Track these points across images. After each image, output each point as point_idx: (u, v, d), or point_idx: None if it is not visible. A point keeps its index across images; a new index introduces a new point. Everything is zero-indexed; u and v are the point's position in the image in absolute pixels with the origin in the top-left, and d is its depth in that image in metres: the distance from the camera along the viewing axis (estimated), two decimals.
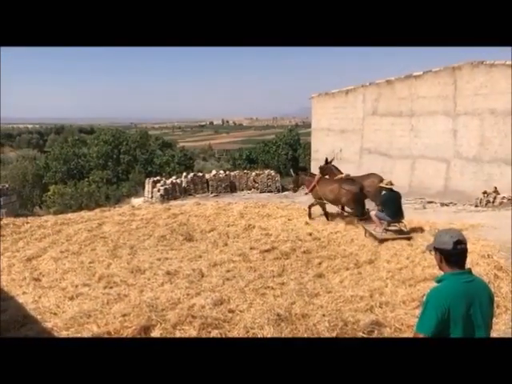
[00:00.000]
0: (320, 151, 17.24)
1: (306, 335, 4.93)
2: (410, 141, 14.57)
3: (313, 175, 12.17)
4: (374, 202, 10.68)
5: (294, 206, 13.48)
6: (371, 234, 9.21)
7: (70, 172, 29.35)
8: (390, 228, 9.20)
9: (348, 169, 16.04)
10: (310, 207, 11.61)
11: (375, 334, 4.90)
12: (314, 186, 11.45)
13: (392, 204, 9.10)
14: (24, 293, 6.93)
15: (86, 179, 26.57)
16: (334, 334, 4.88)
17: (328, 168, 12.30)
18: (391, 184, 9.33)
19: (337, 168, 12.30)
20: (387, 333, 4.93)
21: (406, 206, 12.71)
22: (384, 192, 9.34)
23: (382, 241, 8.82)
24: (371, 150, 15.57)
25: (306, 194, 12.19)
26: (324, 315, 5.41)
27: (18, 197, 16.37)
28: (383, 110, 15.18)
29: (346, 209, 11.24)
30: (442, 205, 13.37)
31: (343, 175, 11.57)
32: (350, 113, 16.09)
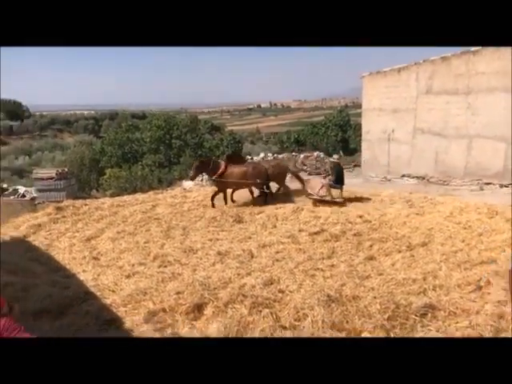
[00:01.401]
0: (371, 132, 16.82)
1: (356, 317, 4.92)
2: (467, 119, 13.88)
3: (217, 162, 12.09)
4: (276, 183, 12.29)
5: (344, 188, 13.30)
6: (310, 196, 11.33)
7: (124, 156, 30.32)
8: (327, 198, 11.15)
9: (401, 150, 15.64)
10: (213, 198, 11.70)
11: (428, 317, 4.80)
12: (223, 172, 11.64)
13: (338, 174, 11.41)
14: (84, 271, 7.32)
15: (140, 163, 27.38)
16: (385, 317, 4.83)
17: (235, 157, 12.96)
18: (338, 160, 12.24)
19: (242, 157, 13.28)
20: (441, 316, 4.82)
21: (462, 188, 12.27)
22: (334, 165, 11.87)
23: (319, 201, 11.05)
24: (425, 129, 14.98)
25: (212, 180, 12.22)
26: (375, 297, 5.37)
27: (77, 180, 17.14)
28: (438, 87, 14.52)
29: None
30: (501, 186, 12.73)
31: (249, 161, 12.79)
32: (402, 92, 15.52)
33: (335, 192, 11.38)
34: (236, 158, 12.86)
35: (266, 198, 11.72)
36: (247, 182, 11.75)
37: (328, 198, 11.12)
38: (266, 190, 11.83)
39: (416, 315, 4.85)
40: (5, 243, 8.93)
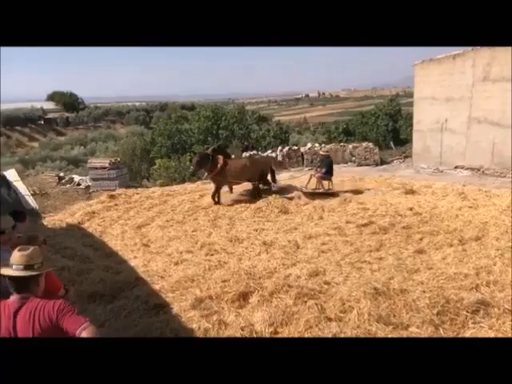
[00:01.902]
0: (423, 122, 16.25)
1: (404, 311, 4.81)
2: None
3: (216, 157, 11.47)
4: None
5: (394, 180, 12.98)
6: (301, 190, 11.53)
7: (173, 147, 30.90)
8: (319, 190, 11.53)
9: (454, 140, 15.01)
10: (217, 194, 11.32)
11: (481, 314, 4.62)
12: (224, 166, 11.20)
13: (328, 165, 11.69)
14: (135, 257, 7.59)
15: (189, 153, 27.86)
16: (434, 312, 4.69)
17: (221, 151, 12.32)
18: (327, 152, 13.52)
19: (228, 153, 12.90)
20: (494, 313, 4.62)
21: None
22: (323, 158, 12.41)
23: (311, 194, 11.27)
24: (481, 119, 14.29)
25: (210, 176, 11.52)
26: (424, 291, 5.22)
27: (129, 170, 17.68)
28: (496, 75, 13.77)
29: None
30: None
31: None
32: (457, 79, 14.85)
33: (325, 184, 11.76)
34: (222, 152, 12.18)
35: (260, 193, 11.57)
36: (249, 175, 11.56)
37: (321, 190, 11.53)
38: (265, 186, 11.91)
39: (467, 311, 4.67)
40: (61, 229, 9.41)
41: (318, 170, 11.99)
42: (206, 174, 11.85)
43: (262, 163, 12.40)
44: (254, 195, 11.51)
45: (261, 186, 11.80)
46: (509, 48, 13.22)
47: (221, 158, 11.37)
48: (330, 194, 11.32)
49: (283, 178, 14.27)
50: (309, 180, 11.89)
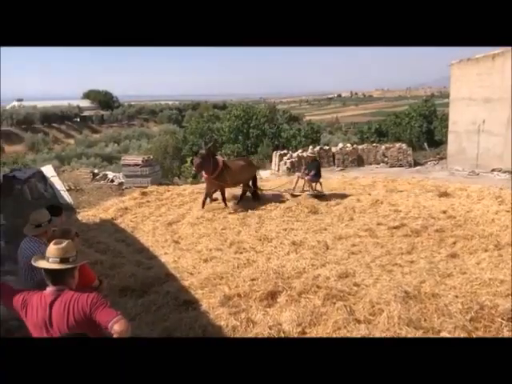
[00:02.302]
0: (459, 123, 15.85)
1: (435, 315, 4.71)
2: None
3: (216, 159, 10.66)
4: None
5: (428, 182, 12.71)
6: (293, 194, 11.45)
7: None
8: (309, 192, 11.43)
9: (492, 142, 14.56)
10: (209, 198, 10.88)
11: None
12: (223, 169, 10.44)
13: (316, 168, 11.62)
14: (165, 253, 7.69)
15: (219, 152, 28.08)
16: (467, 317, 4.57)
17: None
18: (314, 154, 14.19)
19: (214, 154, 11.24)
20: None
21: None
22: (311, 160, 12.55)
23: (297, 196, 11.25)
24: None
25: (212, 177, 10.45)
26: (457, 296, 5.10)
27: (161, 167, 17.92)
28: None
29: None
30: None
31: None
32: (496, 80, 14.40)
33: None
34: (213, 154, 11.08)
35: (257, 196, 11.47)
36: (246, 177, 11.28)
37: (310, 192, 11.40)
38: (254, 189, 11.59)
39: (503, 318, 4.53)
40: (95, 224, 9.63)
41: (307, 172, 11.69)
42: (204, 175, 10.80)
43: (255, 166, 12.22)
44: (241, 199, 11.22)
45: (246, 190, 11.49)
46: None
47: (220, 160, 10.79)
48: (319, 196, 11.15)
49: None
50: (296, 182, 11.78)
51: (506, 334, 4.35)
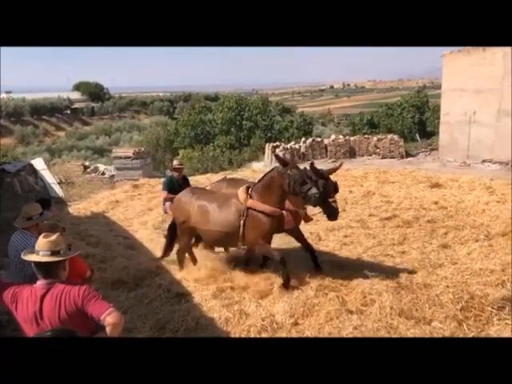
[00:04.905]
0: (451, 114, 15.90)
1: (427, 305, 4.74)
2: None
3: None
4: None
5: (419, 173, 12.76)
6: None
7: (197, 137, 31.06)
8: None
9: (483, 133, 14.63)
10: None
11: (506, 311, 4.51)
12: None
13: None
14: (156, 246, 7.63)
15: (212, 144, 27.97)
16: (458, 307, 4.60)
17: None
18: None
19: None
20: None
21: None
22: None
23: None
24: (511, 112, 13.89)
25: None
26: (448, 286, 5.13)
27: (152, 160, 17.85)
28: None
29: None
30: None
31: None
32: (487, 71, 14.44)
33: None
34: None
35: None
36: None
37: None
38: None
39: (493, 307, 4.57)
40: (86, 217, 9.59)
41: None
42: None
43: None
44: None
45: None
46: None
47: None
48: None
49: None
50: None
51: (495, 322, 4.39)
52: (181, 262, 6.30)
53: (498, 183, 10.76)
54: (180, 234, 6.23)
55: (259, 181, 5.55)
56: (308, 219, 6.11)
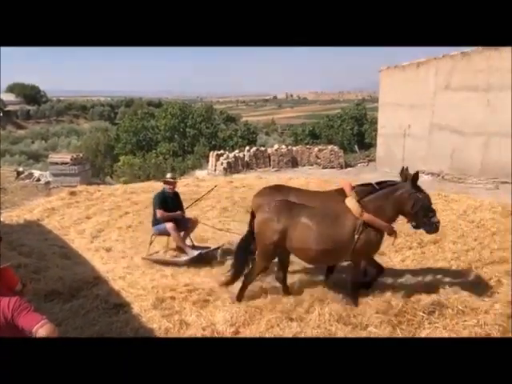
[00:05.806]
0: (387, 126, 16.66)
1: (363, 311, 4.90)
2: (486, 117, 13.63)
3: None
4: None
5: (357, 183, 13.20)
6: None
7: (139, 144, 30.49)
8: None
9: (416, 145, 15.43)
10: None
11: (436, 315, 4.77)
12: None
13: None
14: (94, 256, 7.41)
15: (154, 151, 27.53)
16: (392, 312, 4.81)
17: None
18: None
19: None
20: (449, 314, 4.78)
21: (478, 187, 12.09)
22: None
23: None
24: (442, 126, 14.76)
25: None
26: (383, 292, 5.33)
27: (91, 166, 17.28)
28: (457, 83, 14.26)
29: None
30: None
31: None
32: (420, 87, 15.29)
33: None
34: None
35: None
36: None
37: None
38: None
39: (424, 312, 4.81)
40: (19, 226, 9.08)
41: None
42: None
43: None
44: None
45: None
46: (470, 57, 13.73)
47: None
48: None
49: (250, 177, 14.27)
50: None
51: (426, 326, 4.62)
52: (243, 290, 5.38)
53: (429, 193, 11.32)
54: (263, 257, 5.30)
55: (370, 192, 5.23)
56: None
